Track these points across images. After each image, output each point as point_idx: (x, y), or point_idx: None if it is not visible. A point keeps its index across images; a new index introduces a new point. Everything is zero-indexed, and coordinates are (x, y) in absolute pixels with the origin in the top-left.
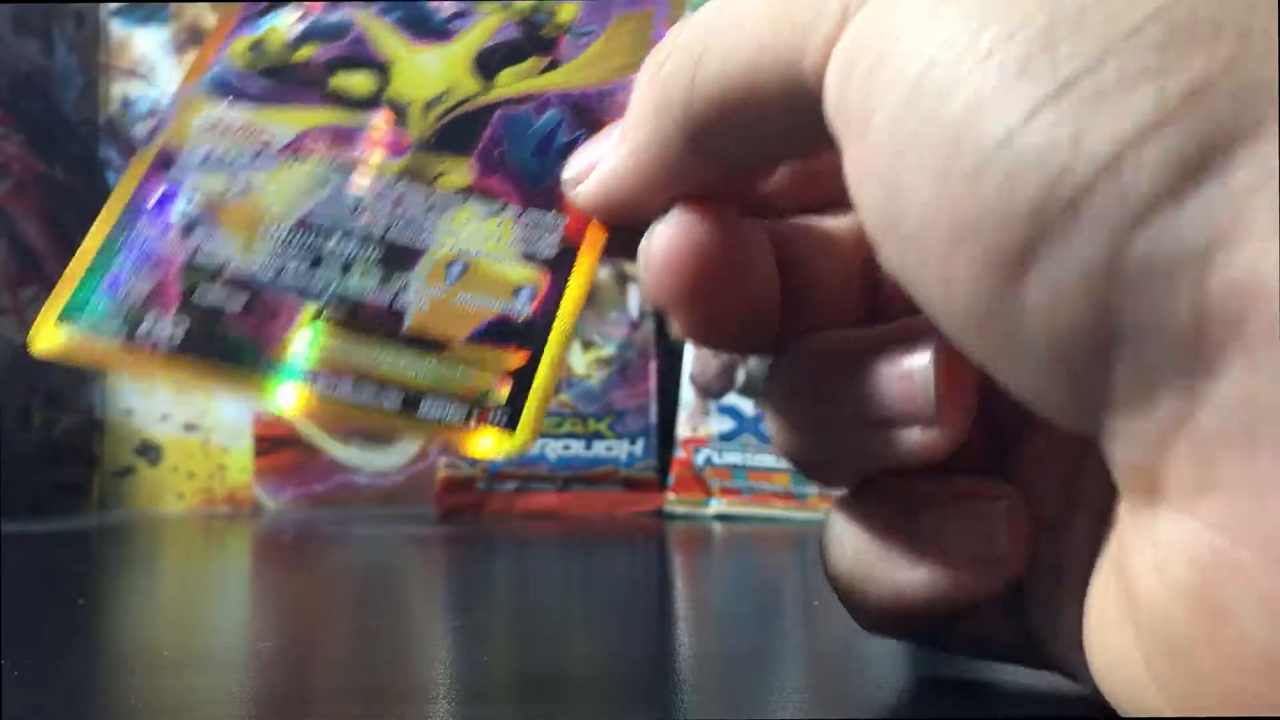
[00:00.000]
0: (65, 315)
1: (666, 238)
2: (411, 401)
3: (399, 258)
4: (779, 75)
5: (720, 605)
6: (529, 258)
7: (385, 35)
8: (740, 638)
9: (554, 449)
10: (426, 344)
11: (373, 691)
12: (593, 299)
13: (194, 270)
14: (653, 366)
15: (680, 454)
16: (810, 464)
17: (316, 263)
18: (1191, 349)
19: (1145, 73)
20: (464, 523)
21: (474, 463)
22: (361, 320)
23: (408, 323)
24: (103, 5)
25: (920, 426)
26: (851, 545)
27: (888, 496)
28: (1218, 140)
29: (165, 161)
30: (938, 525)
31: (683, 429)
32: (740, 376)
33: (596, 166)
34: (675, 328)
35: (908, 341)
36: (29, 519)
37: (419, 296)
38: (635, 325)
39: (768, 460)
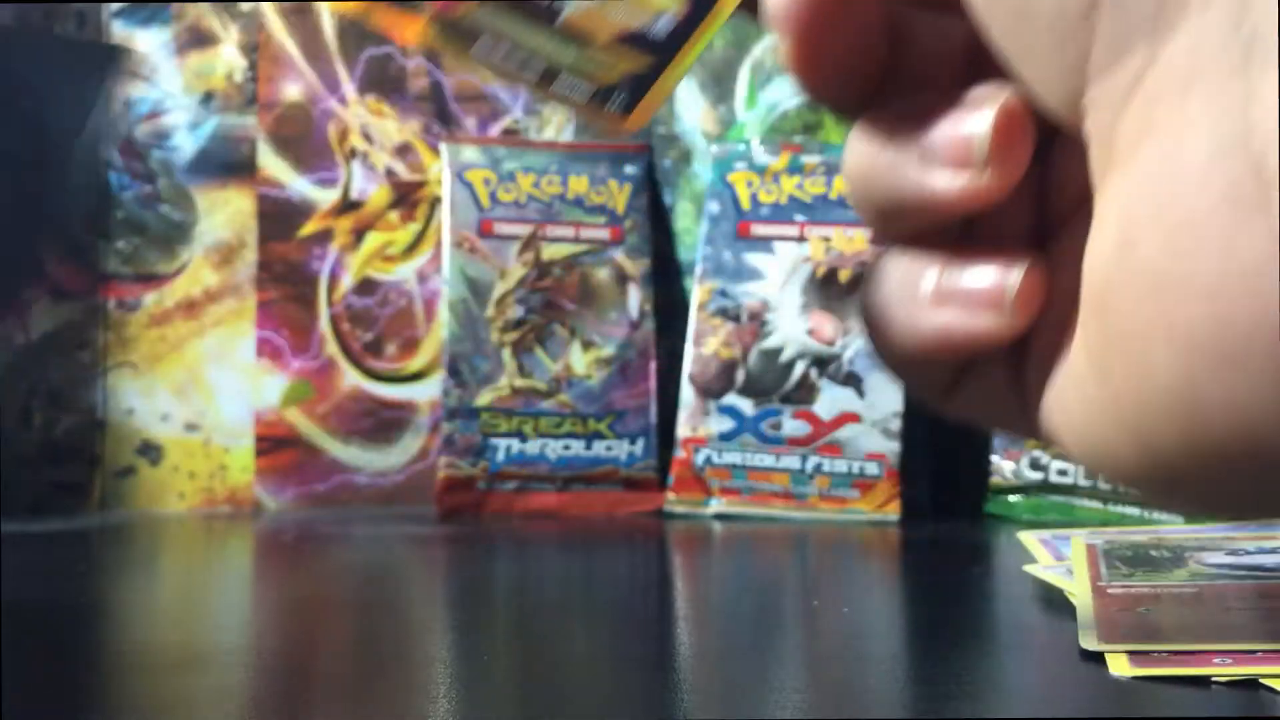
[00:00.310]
0: None
1: None
2: (549, 75)
3: None
4: None
5: (720, 604)
6: None
7: None
8: (740, 637)
9: (554, 449)
10: (573, 36)
11: (374, 690)
12: (595, 295)
13: None
14: (653, 366)
15: (680, 454)
16: (876, 211)
17: None
18: (1159, 8)
19: None
20: (464, 522)
21: (475, 462)
22: (524, 6)
23: (562, 17)
24: (104, 6)
25: (973, 170)
26: (886, 288)
27: (927, 246)
28: None
29: None
30: (962, 269)
31: (683, 429)
32: (740, 377)
33: None
34: (786, 58)
35: (979, 99)
36: (30, 519)
37: (574, 3)
38: (635, 325)
39: (767, 460)
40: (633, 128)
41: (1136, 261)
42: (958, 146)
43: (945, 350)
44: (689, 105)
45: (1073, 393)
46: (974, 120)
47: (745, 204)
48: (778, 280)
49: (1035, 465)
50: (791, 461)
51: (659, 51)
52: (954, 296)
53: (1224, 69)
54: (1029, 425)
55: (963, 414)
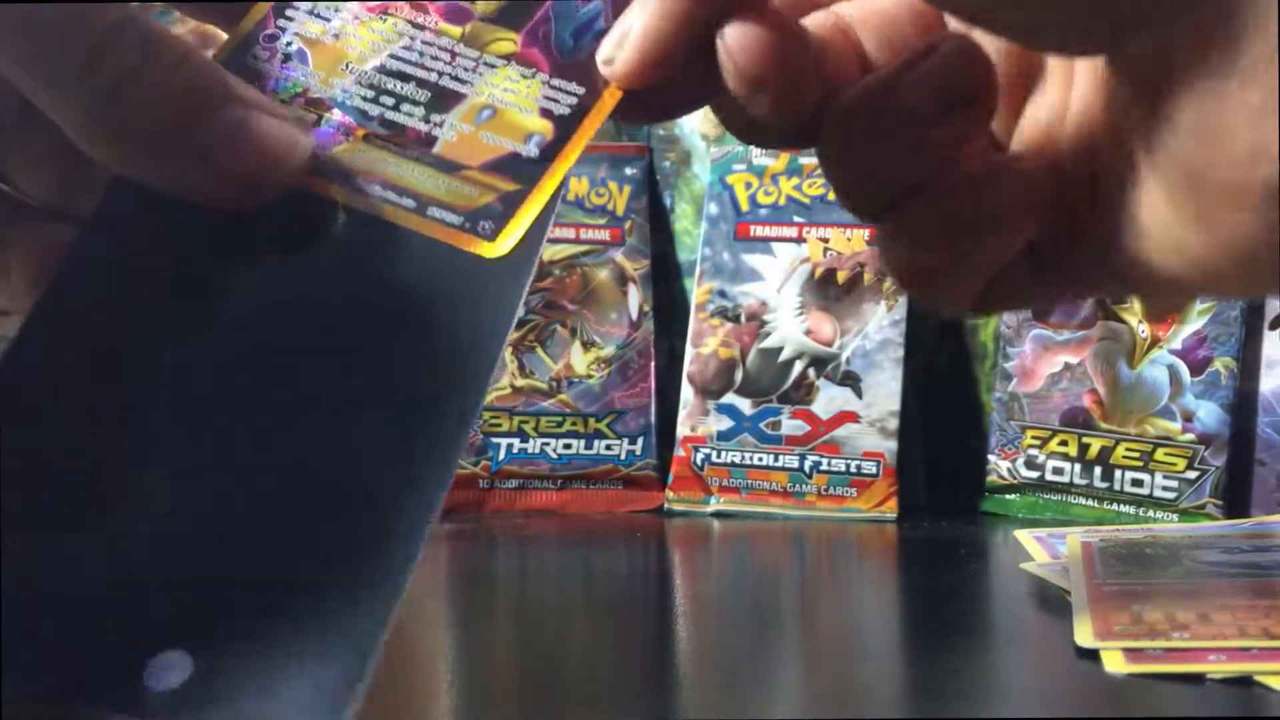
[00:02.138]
0: None
1: (738, 26)
2: (422, 206)
3: (443, 100)
4: None
5: (719, 601)
6: (546, 113)
7: None
8: (738, 634)
9: (555, 448)
10: (447, 165)
11: (375, 687)
12: (595, 296)
13: (281, 91)
14: (652, 366)
15: (680, 452)
16: (863, 195)
17: (377, 96)
18: None
19: None
20: (466, 520)
21: (477, 461)
22: (399, 141)
23: (436, 148)
24: None
25: (958, 107)
26: (905, 246)
27: (930, 207)
28: None
29: (279, 9)
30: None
31: (682, 428)
32: (739, 376)
33: (627, 39)
34: (742, 84)
35: (927, 52)
36: None
37: (450, 130)
38: (635, 325)
39: (766, 459)
40: (498, 253)
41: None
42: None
43: (970, 271)
44: None
45: (1156, 225)
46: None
47: (744, 205)
48: (776, 281)
49: (1031, 464)
50: (790, 460)
51: (528, 173)
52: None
53: None
54: (1054, 292)
55: (994, 310)
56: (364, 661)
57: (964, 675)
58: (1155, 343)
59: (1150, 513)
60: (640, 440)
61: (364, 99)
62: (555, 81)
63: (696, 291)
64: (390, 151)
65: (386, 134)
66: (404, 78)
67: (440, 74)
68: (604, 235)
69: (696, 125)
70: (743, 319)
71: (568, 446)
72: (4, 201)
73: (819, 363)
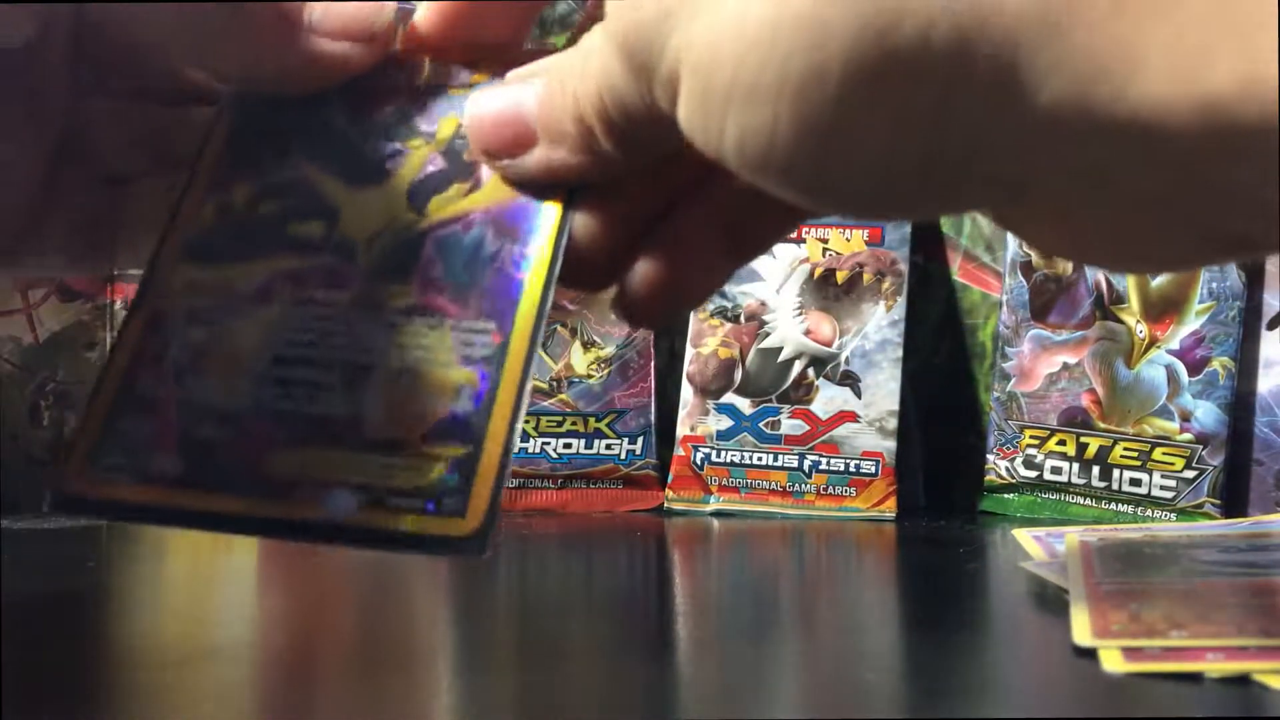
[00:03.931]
0: (83, 467)
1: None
2: (376, 497)
3: (357, 376)
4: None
5: (719, 601)
6: (466, 360)
7: (330, 184)
8: (738, 632)
9: (555, 447)
10: (386, 446)
11: (377, 684)
12: (595, 299)
13: (186, 411)
14: (652, 366)
15: (679, 452)
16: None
17: (287, 392)
18: None
19: None
20: None
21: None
22: (330, 434)
23: (367, 431)
24: None
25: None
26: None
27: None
28: None
29: (154, 323)
30: None
31: (682, 427)
32: (738, 376)
33: (528, 156)
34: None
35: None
36: (39, 516)
37: (374, 408)
38: None
39: (765, 458)
40: (473, 530)
41: None
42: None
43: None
44: None
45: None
46: None
47: None
48: (776, 281)
49: (1029, 464)
50: (789, 460)
51: (471, 431)
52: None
53: None
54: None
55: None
56: None
57: (962, 674)
58: (1153, 343)
59: (1148, 512)
60: (640, 440)
61: (275, 398)
62: (464, 323)
63: None
64: (324, 449)
65: (313, 432)
66: (309, 364)
67: (346, 349)
68: None
69: None
70: (742, 319)
71: (568, 446)
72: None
73: (818, 362)
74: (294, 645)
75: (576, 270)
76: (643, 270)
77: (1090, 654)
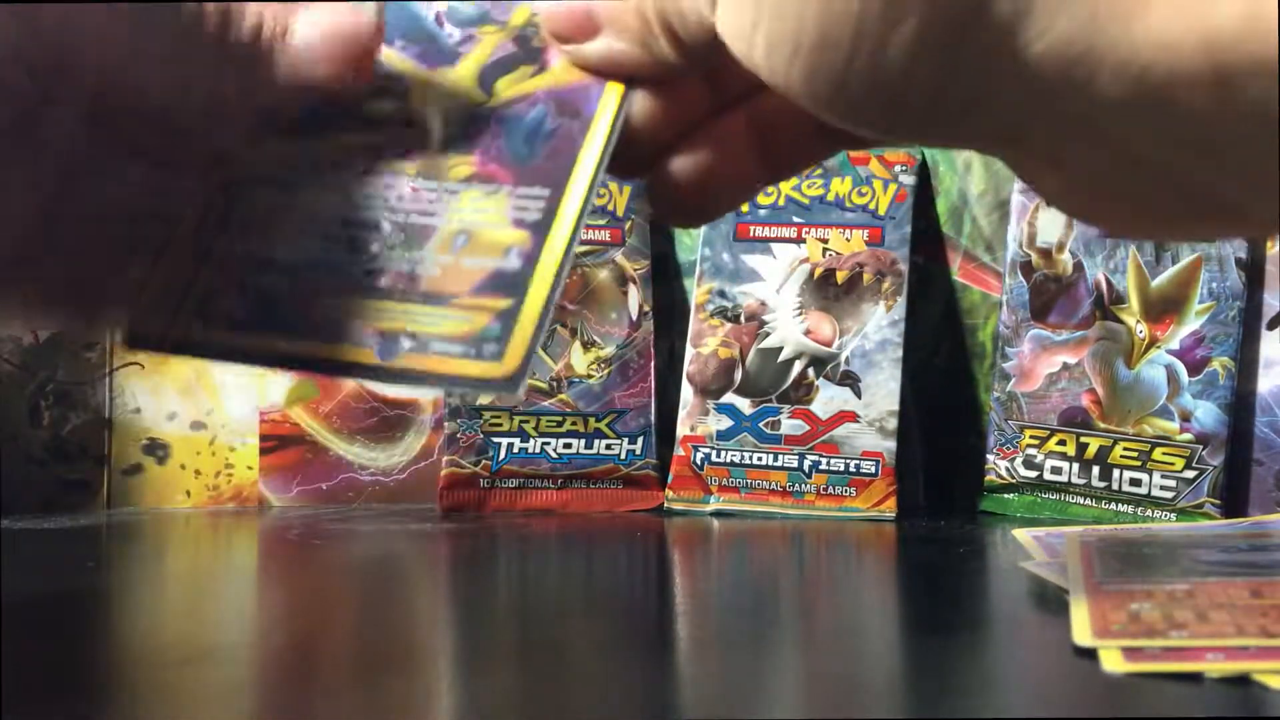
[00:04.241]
0: (155, 312)
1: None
2: (422, 344)
3: (416, 236)
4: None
5: (719, 601)
6: (519, 223)
7: (405, 65)
8: (737, 632)
9: (555, 447)
10: (436, 299)
11: (378, 683)
12: (595, 297)
13: (252, 262)
14: (652, 366)
15: (679, 452)
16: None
17: (351, 248)
18: None
19: None
20: (467, 519)
21: (478, 460)
22: (385, 288)
23: (422, 285)
24: None
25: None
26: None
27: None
28: None
29: (229, 187)
30: None
31: (682, 427)
32: (738, 376)
33: (593, 43)
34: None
35: None
36: (39, 516)
37: (432, 265)
38: (635, 325)
39: (765, 458)
40: (509, 373)
41: None
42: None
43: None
44: None
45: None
46: None
47: (743, 206)
48: (776, 281)
49: (1030, 464)
50: (789, 460)
51: (516, 285)
52: None
53: None
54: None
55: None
56: None
57: (962, 674)
58: (1153, 343)
59: (1148, 512)
60: (640, 440)
61: (340, 254)
62: (520, 190)
63: (696, 291)
64: (377, 299)
65: (369, 283)
66: (375, 226)
67: (407, 212)
68: (604, 235)
69: None
70: (742, 319)
71: (568, 446)
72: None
73: (818, 362)
74: (294, 645)
75: (623, 153)
76: (680, 163)
77: (1090, 654)
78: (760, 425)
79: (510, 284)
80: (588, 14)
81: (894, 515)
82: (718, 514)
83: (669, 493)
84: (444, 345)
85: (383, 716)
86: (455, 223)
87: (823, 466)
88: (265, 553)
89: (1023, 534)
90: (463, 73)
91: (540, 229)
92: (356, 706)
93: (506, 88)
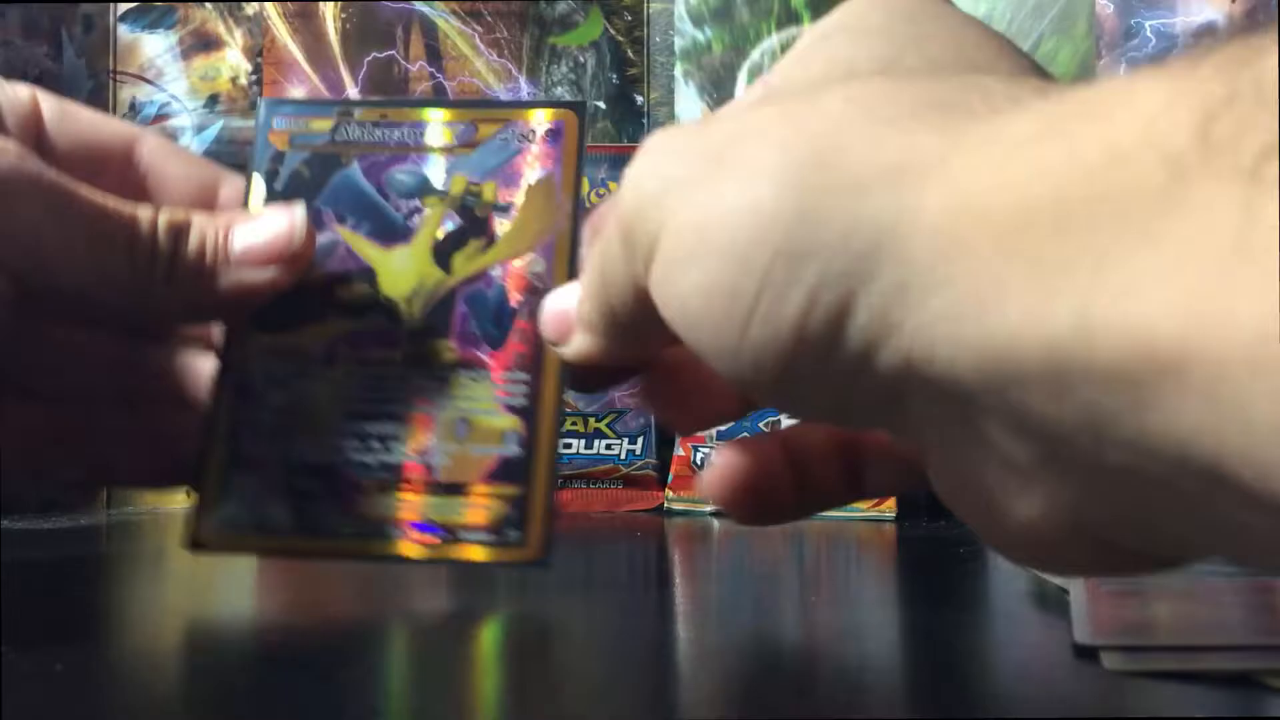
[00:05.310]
0: (211, 520)
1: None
2: (454, 534)
3: (420, 426)
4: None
5: (719, 601)
6: (509, 409)
7: (363, 245)
8: (739, 634)
9: None
10: (454, 489)
11: (377, 683)
12: None
13: (285, 467)
14: None
15: (679, 452)
16: None
17: (366, 444)
18: None
19: None
20: None
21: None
22: (406, 480)
23: (439, 475)
24: (111, 9)
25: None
26: None
27: None
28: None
29: (243, 388)
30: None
31: None
32: None
33: (569, 344)
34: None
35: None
36: (40, 516)
37: (442, 455)
38: None
39: None
40: (535, 556)
41: None
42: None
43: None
44: (688, 108)
45: None
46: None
47: None
48: None
49: None
50: None
51: (521, 473)
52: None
53: None
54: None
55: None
56: None
57: (962, 674)
58: None
59: None
60: (640, 440)
61: (356, 450)
62: (502, 375)
63: None
64: (405, 494)
65: (393, 479)
66: (379, 418)
67: (407, 403)
68: None
69: None
70: None
71: (568, 446)
72: None
73: None
74: (294, 645)
75: (579, 377)
76: (653, 391)
77: (1090, 654)
78: (760, 425)
79: (516, 471)
80: (566, 320)
81: (894, 515)
82: (718, 514)
83: (669, 493)
84: (472, 534)
85: (379, 716)
86: (451, 411)
87: None
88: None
89: None
90: (418, 250)
91: (529, 415)
92: (354, 705)
93: (463, 264)
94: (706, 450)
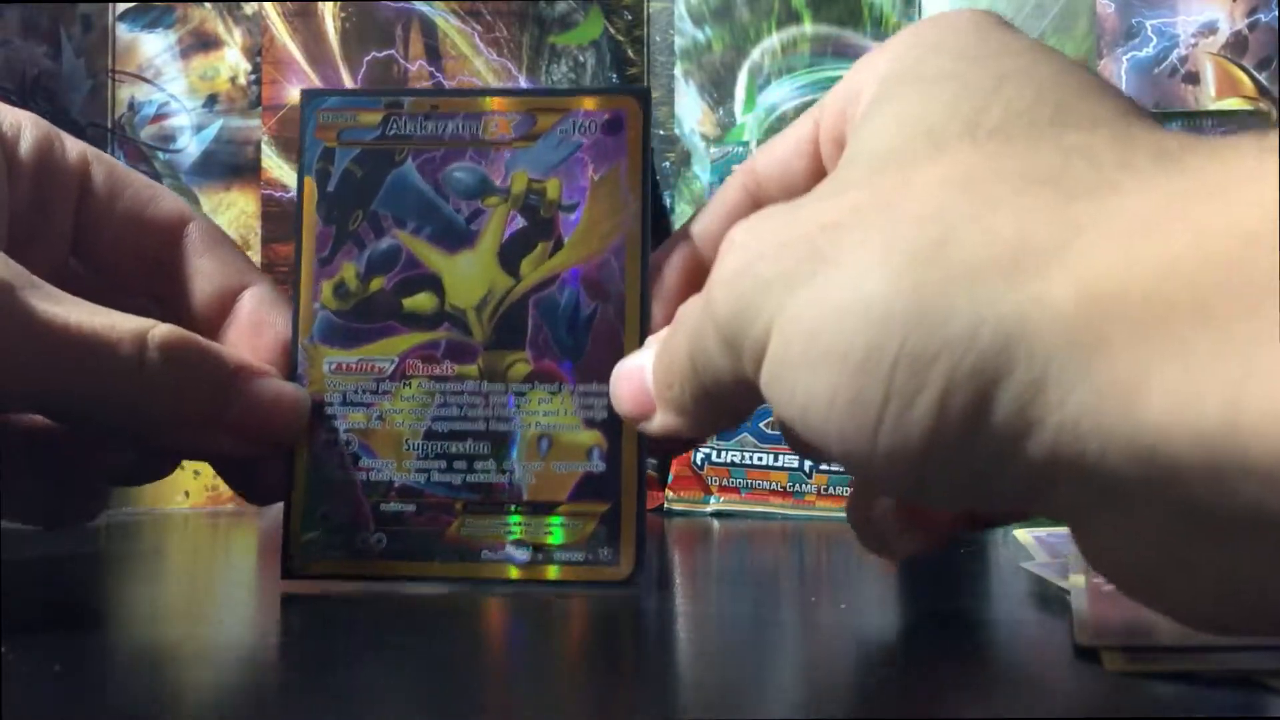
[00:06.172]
0: (301, 547)
1: None
2: (548, 555)
3: (501, 443)
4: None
5: (719, 601)
6: (590, 423)
7: (426, 251)
8: (739, 634)
9: None
10: (542, 507)
11: (376, 683)
12: None
13: (372, 489)
14: None
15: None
16: None
17: (449, 464)
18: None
19: None
20: None
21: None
22: (494, 500)
23: (524, 494)
24: (110, 9)
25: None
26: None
27: None
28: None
29: (319, 409)
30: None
31: None
32: None
33: (653, 422)
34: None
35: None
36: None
37: (526, 473)
38: None
39: (766, 458)
40: (627, 575)
41: None
42: None
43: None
44: (689, 108)
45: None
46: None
47: None
48: None
49: None
50: (789, 460)
51: (607, 488)
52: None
53: None
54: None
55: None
56: None
57: (962, 674)
58: None
59: None
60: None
61: (440, 470)
62: (580, 389)
63: None
64: (493, 514)
65: (480, 498)
66: (459, 436)
67: (485, 419)
68: None
69: (696, 125)
70: None
71: None
72: None
73: None
74: (293, 646)
75: (660, 443)
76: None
77: (1091, 654)
78: (761, 425)
79: (602, 487)
80: (645, 397)
81: None
82: (718, 514)
83: (669, 493)
84: (565, 554)
85: (377, 715)
86: (533, 427)
87: (823, 467)
88: (264, 553)
89: (1023, 534)
90: (484, 255)
91: (611, 428)
92: (353, 705)
93: (531, 270)
94: (708, 450)
